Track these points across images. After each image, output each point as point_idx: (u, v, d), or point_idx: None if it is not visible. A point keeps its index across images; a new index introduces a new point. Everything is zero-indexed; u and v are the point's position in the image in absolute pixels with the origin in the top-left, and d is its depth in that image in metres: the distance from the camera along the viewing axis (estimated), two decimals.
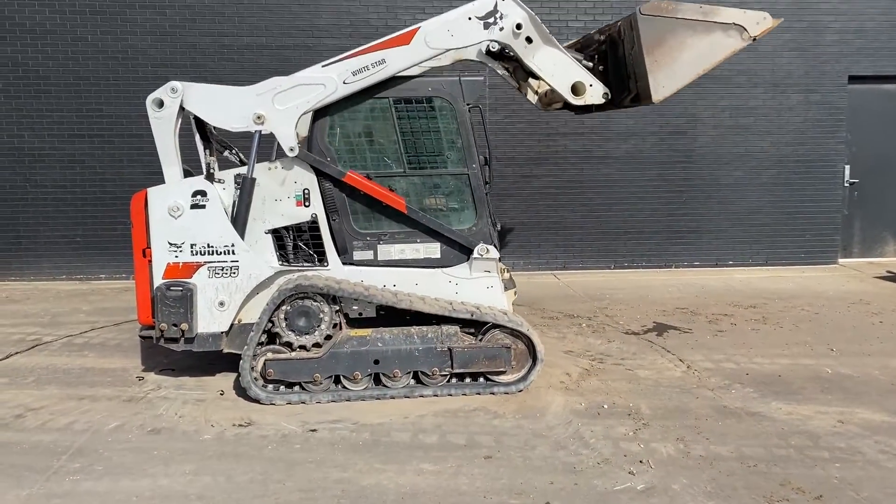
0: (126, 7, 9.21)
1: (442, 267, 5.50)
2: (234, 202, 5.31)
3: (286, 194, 5.36)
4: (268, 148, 5.67)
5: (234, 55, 9.33)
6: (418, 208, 5.44)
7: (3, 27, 9.12)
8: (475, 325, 5.33)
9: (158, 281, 5.21)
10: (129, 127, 9.21)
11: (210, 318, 5.27)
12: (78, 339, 6.89)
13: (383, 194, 5.34)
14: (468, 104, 5.42)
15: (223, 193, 5.30)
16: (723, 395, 5.25)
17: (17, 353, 6.43)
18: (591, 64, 5.53)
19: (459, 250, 5.49)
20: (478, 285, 5.49)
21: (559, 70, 5.31)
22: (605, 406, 5.04)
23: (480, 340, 5.29)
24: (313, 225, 5.41)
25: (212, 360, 5.80)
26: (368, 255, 5.48)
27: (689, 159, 10.04)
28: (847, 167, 10.33)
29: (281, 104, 5.20)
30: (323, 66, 5.21)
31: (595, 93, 5.38)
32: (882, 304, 7.99)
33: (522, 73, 5.54)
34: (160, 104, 5.22)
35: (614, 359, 6.13)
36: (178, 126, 5.28)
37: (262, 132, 5.23)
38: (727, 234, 10.19)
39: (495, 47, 5.38)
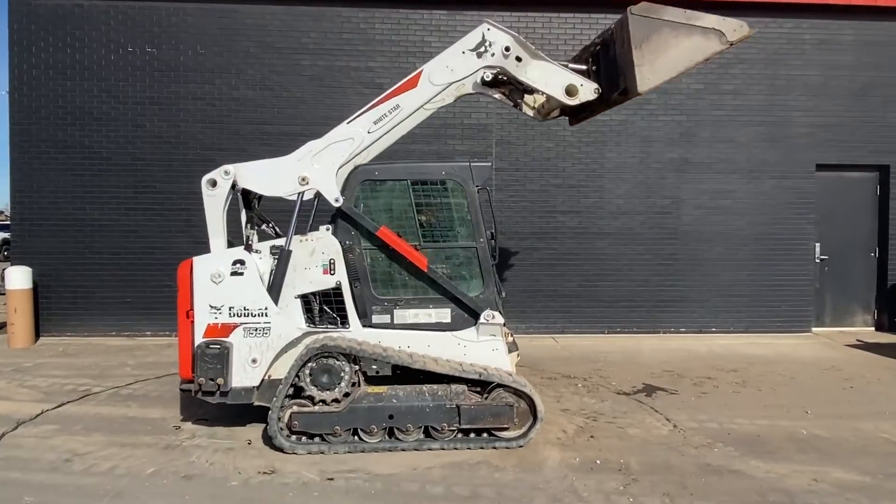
0: (180, 99, 9.56)
1: (452, 330, 5.52)
2: (271, 270, 5.40)
3: (314, 263, 5.45)
4: (303, 223, 5.79)
5: (272, 141, 9.60)
6: (432, 278, 5.50)
7: (73, 115, 9.47)
8: (481, 385, 5.32)
9: (199, 339, 5.26)
10: (178, 202, 9.43)
11: (243, 374, 5.29)
12: (123, 390, 6.91)
13: (409, 250, 5.40)
14: (477, 186, 5.55)
15: (259, 262, 5.40)
16: (706, 453, 5.17)
17: (68, 402, 6.44)
18: (583, 67, 5.63)
19: (468, 315, 5.53)
20: (484, 347, 5.50)
21: (550, 78, 5.41)
22: (598, 461, 4.98)
23: (486, 399, 5.27)
24: (337, 291, 5.47)
25: (241, 411, 5.79)
26: (386, 318, 5.52)
27: (674, 236, 10.12)
28: (817, 245, 10.36)
29: (319, 163, 5.36)
30: (347, 123, 5.40)
31: (587, 90, 5.45)
32: (853, 371, 7.89)
33: (518, 92, 5.60)
34: (214, 184, 5.39)
35: (607, 417, 6.06)
36: (228, 203, 5.43)
37: (309, 191, 5.33)
38: (710, 303, 10.17)
39: (489, 76, 5.44)
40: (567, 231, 9.99)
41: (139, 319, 9.61)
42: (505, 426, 5.21)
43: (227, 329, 5.28)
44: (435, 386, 5.31)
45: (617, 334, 10.04)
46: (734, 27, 5.21)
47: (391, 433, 5.20)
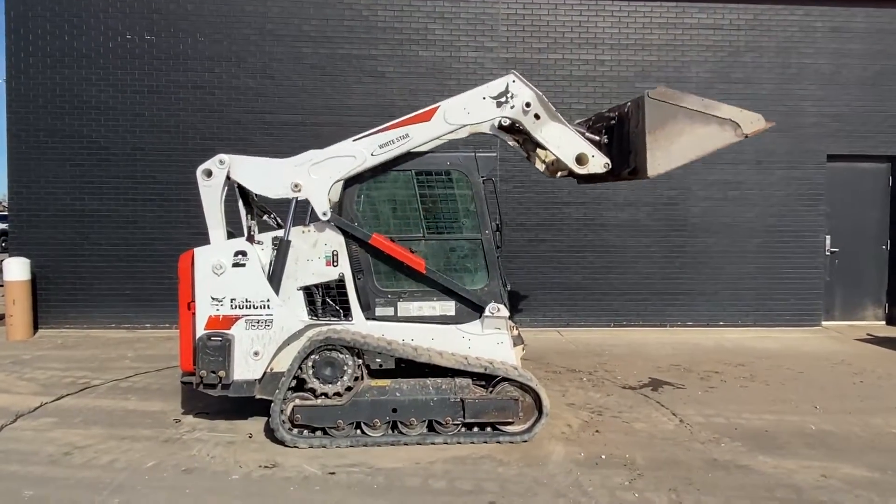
0: (180, 87, 9.54)
1: (456, 323, 5.53)
2: (271, 261, 5.41)
3: (317, 255, 5.46)
4: (303, 213, 5.81)
5: (273, 130, 9.60)
6: (435, 269, 5.51)
7: (71, 104, 9.46)
8: (486, 378, 5.33)
9: (200, 331, 5.27)
10: (178, 192, 9.43)
11: (245, 367, 5.31)
12: (123, 383, 6.94)
13: (404, 255, 5.42)
14: (482, 176, 5.54)
15: (261, 254, 5.41)
16: (713, 449, 5.18)
17: (67, 395, 6.47)
18: (597, 138, 5.65)
19: (472, 308, 5.53)
20: (489, 341, 5.51)
21: (564, 142, 5.42)
22: (603, 456, 4.99)
23: (491, 392, 5.28)
24: (340, 283, 5.47)
25: (243, 404, 5.81)
26: (389, 311, 5.52)
27: (682, 228, 10.09)
28: (828, 237, 10.34)
29: (316, 174, 5.35)
30: (353, 141, 5.37)
31: (597, 163, 5.47)
32: (862, 365, 7.88)
33: (531, 143, 5.65)
34: (209, 174, 5.38)
35: (612, 412, 6.07)
36: (225, 193, 5.42)
37: (299, 199, 5.36)
38: (718, 296, 10.16)
39: (506, 122, 5.49)
40: (573, 222, 9.97)
41: (139, 311, 9.64)
42: (510, 420, 5.23)
43: (229, 321, 5.29)
44: (439, 380, 5.32)
45: (623, 328, 10.04)
46: (751, 120, 5.27)
47: (394, 427, 5.22)
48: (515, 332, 6.14)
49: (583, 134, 5.59)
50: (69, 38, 9.43)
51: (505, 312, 5.49)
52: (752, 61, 10.01)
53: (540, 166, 6.06)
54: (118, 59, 9.49)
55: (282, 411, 5.13)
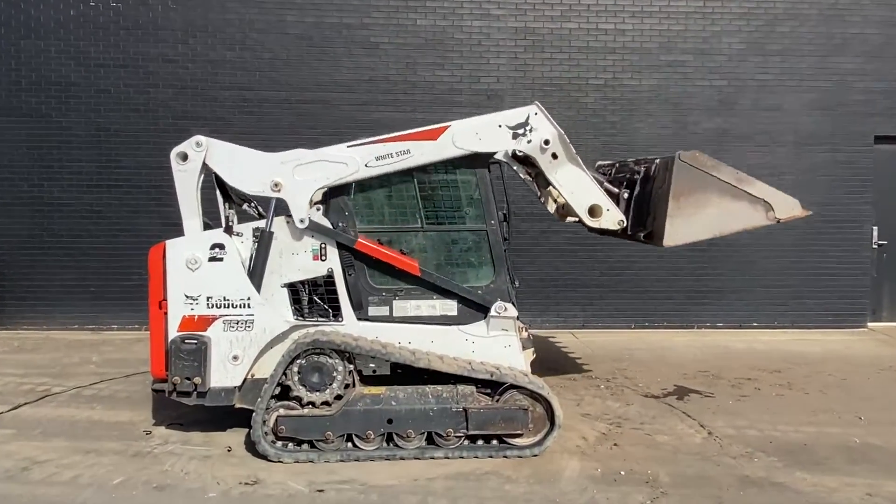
0: (149, 61, 9.54)
1: (458, 324, 5.55)
2: (252, 255, 5.43)
3: (303, 248, 5.47)
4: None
5: (253, 108, 9.60)
6: (435, 264, 5.53)
7: (28, 79, 9.46)
8: (492, 386, 5.35)
9: (173, 333, 5.29)
10: (146, 178, 9.45)
11: (223, 372, 5.33)
12: (87, 390, 6.96)
13: (395, 259, 5.44)
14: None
15: (241, 246, 5.43)
16: (745, 464, 5.20)
17: (25, 403, 6.50)
18: (616, 190, 5.74)
19: (476, 308, 5.55)
20: (495, 344, 5.53)
21: (579, 189, 5.51)
22: (622, 472, 5.01)
23: (497, 401, 5.30)
24: (329, 279, 5.49)
25: (221, 415, 5.83)
26: (384, 310, 5.54)
27: None
28: (875, 228, 10.34)
29: (301, 176, 5.36)
30: (348, 147, 5.39)
31: (611, 218, 5.57)
32: None
33: (544, 181, 5.70)
34: (184, 157, 5.39)
35: (633, 423, 6.09)
36: (201, 179, 5.44)
37: (276, 199, 5.38)
38: (752, 294, 10.17)
39: (520, 153, 5.51)
40: None
41: (104, 311, 9.66)
42: (518, 432, 5.25)
43: (205, 322, 5.31)
44: (439, 387, 5.34)
45: (645, 329, 10.07)
46: (787, 203, 5.40)
47: (389, 439, 5.23)
48: (525, 334, 6.16)
49: (601, 183, 5.69)
50: (25, 6, 9.43)
51: (513, 312, 5.51)
52: (791, 31, 9.99)
53: (550, 207, 6.15)
54: (80, 29, 9.48)
55: (264, 422, 5.15)
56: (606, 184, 5.82)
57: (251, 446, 5.25)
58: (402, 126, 9.49)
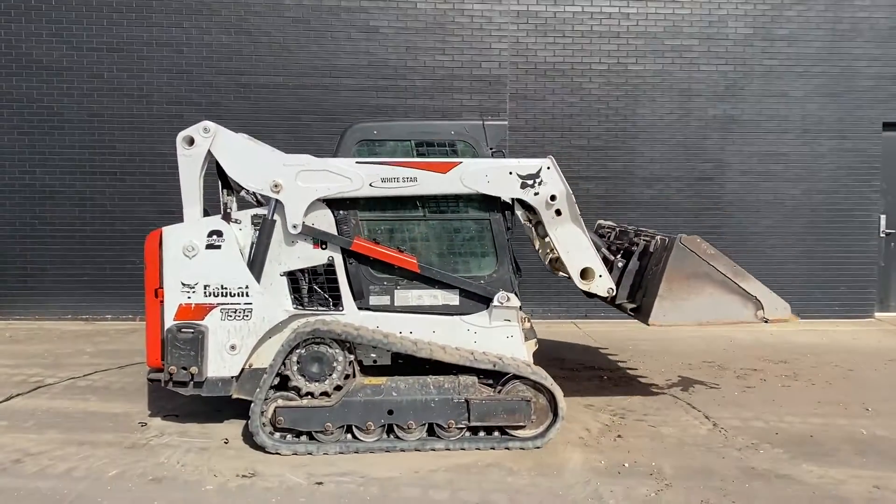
0: (143, 45, 9.50)
1: (460, 314, 5.54)
2: (252, 243, 5.41)
3: (303, 236, 5.45)
4: None
5: (250, 94, 9.56)
6: (437, 254, 5.51)
7: (19, 63, 9.42)
8: (494, 376, 5.35)
9: (170, 322, 5.28)
10: (141, 164, 9.42)
11: (221, 362, 5.32)
12: (81, 381, 6.95)
13: (393, 257, 5.43)
14: (491, 148, 5.54)
15: (239, 234, 5.40)
16: (751, 456, 5.20)
17: (18, 395, 6.49)
18: (612, 258, 5.86)
19: (479, 298, 5.53)
20: (498, 334, 5.52)
21: (575, 250, 5.59)
22: (626, 465, 5.01)
23: (499, 392, 5.30)
24: (329, 268, 5.47)
25: (218, 406, 5.83)
26: (385, 300, 5.53)
27: (716, 206, 10.09)
28: (882, 217, 10.33)
29: (303, 182, 5.32)
30: (356, 163, 5.36)
31: (602, 285, 5.67)
32: None
33: (542, 230, 5.73)
34: (190, 142, 5.36)
35: (637, 414, 6.09)
36: (205, 166, 5.41)
37: (276, 200, 5.36)
38: None
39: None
40: (593, 200, 9.95)
41: (98, 300, 9.66)
42: (521, 424, 5.24)
43: (202, 310, 5.29)
44: (441, 377, 5.33)
45: None
46: (777, 306, 5.62)
47: (390, 431, 5.23)
48: (528, 325, 6.16)
49: (598, 248, 5.79)
50: None
51: (516, 302, 5.50)
52: (798, 15, 9.95)
53: (543, 257, 6.24)
54: (73, 11, 9.44)
55: (262, 413, 5.14)
56: (604, 249, 5.97)
57: (249, 438, 5.25)
58: (403, 114, 9.53)
